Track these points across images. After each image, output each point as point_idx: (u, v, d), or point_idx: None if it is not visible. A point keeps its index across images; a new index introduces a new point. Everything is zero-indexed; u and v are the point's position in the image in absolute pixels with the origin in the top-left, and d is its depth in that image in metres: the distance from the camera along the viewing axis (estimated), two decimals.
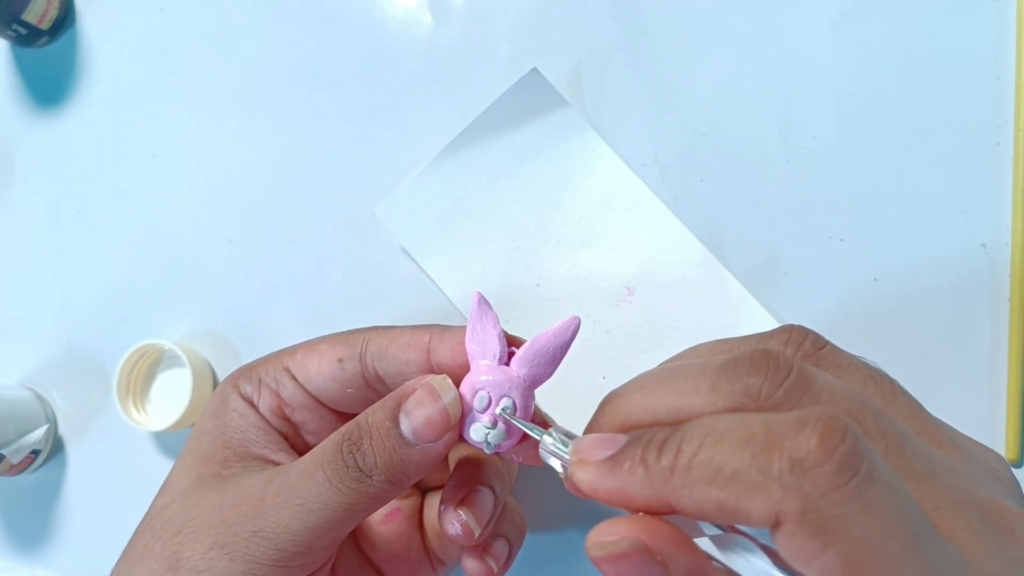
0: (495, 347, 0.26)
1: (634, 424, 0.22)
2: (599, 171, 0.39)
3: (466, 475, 0.29)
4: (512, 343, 0.26)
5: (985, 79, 0.37)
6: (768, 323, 0.37)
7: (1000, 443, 0.36)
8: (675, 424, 0.20)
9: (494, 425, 0.25)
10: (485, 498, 0.29)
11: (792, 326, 0.24)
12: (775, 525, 0.17)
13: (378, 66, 0.43)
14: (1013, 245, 0.36)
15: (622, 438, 0.21)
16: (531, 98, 0.40)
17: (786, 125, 0.38)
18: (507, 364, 0.26)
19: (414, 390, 0.25)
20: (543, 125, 0.40)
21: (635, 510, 0.21)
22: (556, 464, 0.24)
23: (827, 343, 0.24)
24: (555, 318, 0.39)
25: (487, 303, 0.26)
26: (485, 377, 0.25)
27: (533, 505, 0.40)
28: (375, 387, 0.29)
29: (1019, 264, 0.36)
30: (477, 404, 0.25)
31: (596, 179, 0.39)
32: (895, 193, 0.37)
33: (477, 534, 0.28)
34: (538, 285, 0.40)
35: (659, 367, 0.23)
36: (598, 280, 0.39)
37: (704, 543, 0.21)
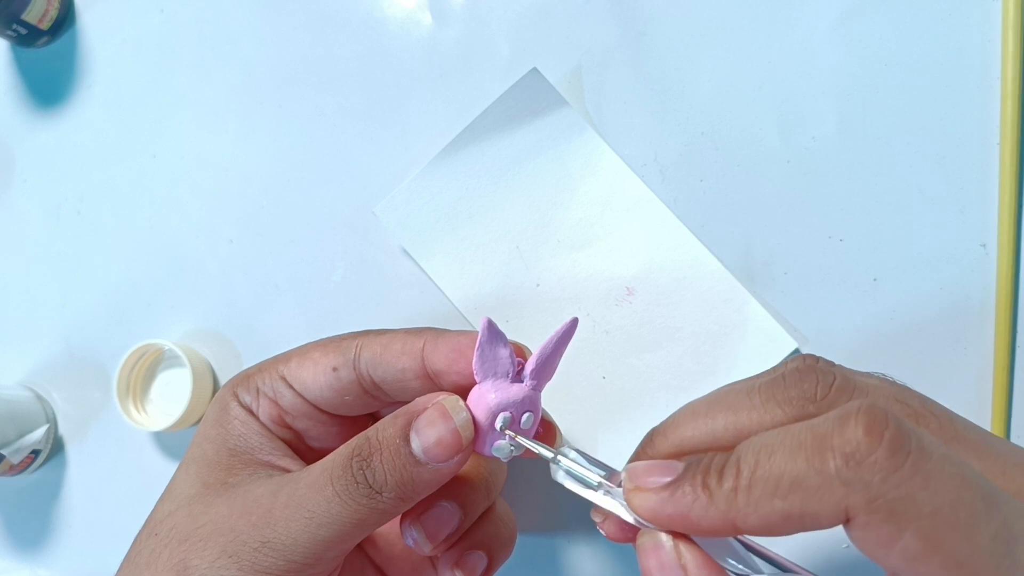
0: (507, 366, 0.26)
1: (691, 447, 0.22)
2: (599, 171, 0.39)
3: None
4: (517, 354, 0.26)
5: (985, 79, 0.37)
6: (768, 323, 0.37)
7: None
8: (735, 441, 0.21)
9: (515, 442, 0.26)
10: (443, 513, 0.28)
11: (805, 355, 0.24)
12: (846, 521, 0.18)
13: (378, 66, 0.43)
14: (1000, 248, 0.36)
15: (678, 464, 0.21)
16: (531, 98, 0.40)
17: (786, 125, 0.38)
18: (517, 376, 0.26)
19: (425, 408, 0.25)
20: (543, 125, 0.40)
21: (700, 534, 0.21)
22: (575, 487, 0.24)
23: (837, 364, 0.24)
24: (555, 318, 0.39)
25: (496, 327, 0.26)
26: (503, 397, 0.25)
27: (528, 506, 0.40)
28: (373, 393, 0.29)
29: (1005, 267, 0.36)
30: (500, 424, 0.25)
31: (596, 179, 0.39)
32: (895, 193, 0.37)
33: (427, 551, 0.28)
34: (538, 285, 0.40)
35: (700, 397, 0.23)
36: (598, 280, 0.39)
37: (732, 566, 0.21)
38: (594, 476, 0.23)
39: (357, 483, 0.24)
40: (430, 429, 0.25)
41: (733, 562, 0.21)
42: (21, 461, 0.43)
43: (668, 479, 0.21)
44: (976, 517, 0.17)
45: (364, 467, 0.24)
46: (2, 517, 0.46)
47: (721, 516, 0.19)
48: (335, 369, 0.28)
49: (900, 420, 0.18)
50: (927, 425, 0.19)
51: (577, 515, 0.39)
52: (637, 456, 0.24)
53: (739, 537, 0.22)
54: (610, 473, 0.24)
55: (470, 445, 0.25)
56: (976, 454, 0.19)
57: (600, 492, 0.23)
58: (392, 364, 0.28)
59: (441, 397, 0.26)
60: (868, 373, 0.23)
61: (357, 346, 0.28)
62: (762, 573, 0.21)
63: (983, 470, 0.18)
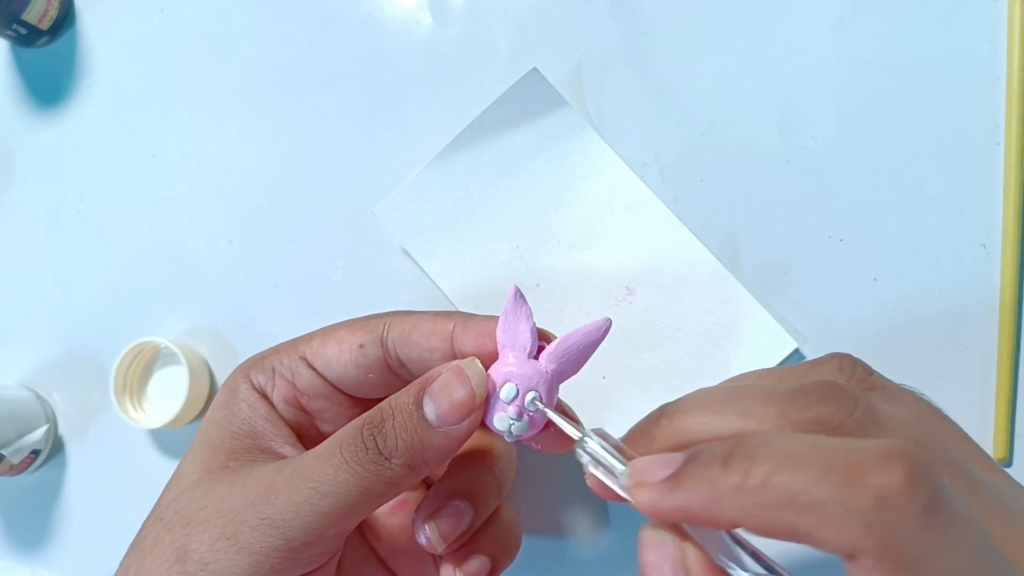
0: (526, 340, 0.26)
1: (693, 440, 0.22)
2: (599, 171, 0.39)
3: (447, 484, 0.29)
4: (542, 337, 0.26)
5: (985, 79, 0.37)
6: (768, 323, 0.37)
7: (988, 441, 0.36)
8: None
9: (519, 417, 0.25)
10: (456, 512, 0.28)
11: (840, 355, 0.24)
12: (850, 557, 0.17)
13: (378, 66, 0.43)
14: (1004, 248, 0.36)
15: (678, 457, 0.21)
16: (531, 98, 0.40)
17: (786, 125, 0.38)
18: (536, 358, 0.26)
19: (440, 374, 0.25)
20: (543, 125, 0.40)
21: (699, 524, 0.21)
22: (599, 473, 0.23)
23: (874, 371, 0.24)
24: (555, 318, 0.39)
25: (523, 297, 0.26)
26: (514, 369, 0.25)
27: (531, 508, 0.40)
28: (398, 372, 0.29)
29: (1010, 267, 0.36)
30: (504, 395, 0.25)
31: (596, 179, 0.39)
32: (895, 193, 0.37)
33: (440, 550, 0.28)
34: (538, 285, 0.40)
35: (716, 387, 0.23)
36: (598, 280, 0.39)
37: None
38: (618, 464, 0.23)
39: (367, 449, 0.24)
40: (444, 392, 0.25)
41: (722, 557, 0.21)
42: (21, 461, 0.43)
43: (668, 472, 0.21)
44: None
45: (375, 433, 0.24)
46: (2, 517, 0.46)
47: (720, 510, 0.19)
48: (362, 346, 0.28)
49: (938, 477, 0.17)
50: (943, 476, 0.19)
51: (580, 518, 0.39)
52: (639, 431, 0.24)
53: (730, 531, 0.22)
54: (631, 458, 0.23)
55: (483, 406, 0.25)
56: (984, 514, 0.19)
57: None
58: (420, 344, 0.28)
59: (457, 361, 0.26)
60: (899, 387, 0.23)
61: (385, 324, 0.28)
62: (748, 572, 0.21)
63: (989, 534, 0.18)
